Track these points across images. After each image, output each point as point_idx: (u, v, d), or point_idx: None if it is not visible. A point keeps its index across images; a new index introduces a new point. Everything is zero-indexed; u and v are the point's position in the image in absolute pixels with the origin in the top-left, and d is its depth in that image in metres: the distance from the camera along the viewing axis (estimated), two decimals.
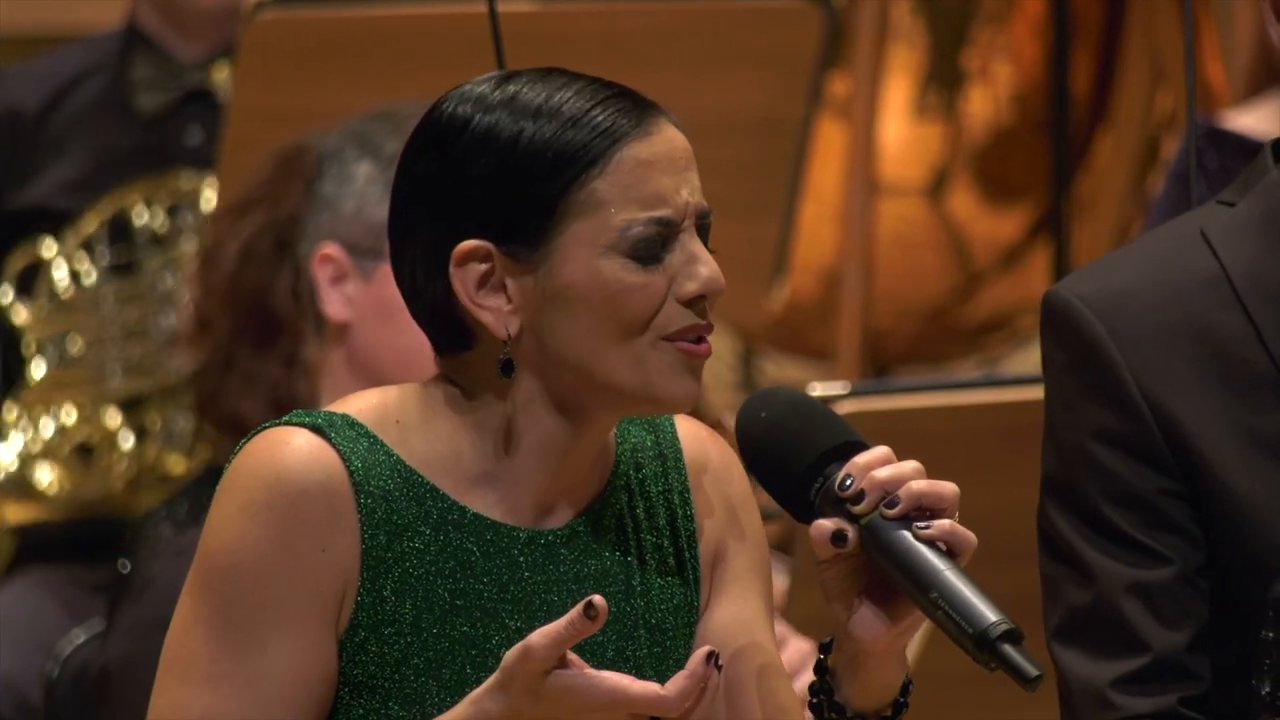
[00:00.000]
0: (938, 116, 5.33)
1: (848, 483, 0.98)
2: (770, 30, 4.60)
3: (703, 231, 1.05)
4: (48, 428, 3.38)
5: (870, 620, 1.00)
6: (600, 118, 1.03)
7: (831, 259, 5.19)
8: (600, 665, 1.03)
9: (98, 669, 2.05)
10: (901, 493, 0.97)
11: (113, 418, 3.39)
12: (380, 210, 2.13)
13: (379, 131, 2.12)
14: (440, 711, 1.01)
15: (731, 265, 3.59)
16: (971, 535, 0.98)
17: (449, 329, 1.05)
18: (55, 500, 3.45)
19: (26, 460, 3.36)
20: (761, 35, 4.55)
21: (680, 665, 1.07)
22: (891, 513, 0.97)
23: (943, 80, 5.34)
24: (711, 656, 0.94)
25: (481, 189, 1.02)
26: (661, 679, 1.05)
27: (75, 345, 3.38)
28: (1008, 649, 0.96)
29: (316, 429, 1.01)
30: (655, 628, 1.06)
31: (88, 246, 3.21)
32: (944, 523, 0.97)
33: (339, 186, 2.07)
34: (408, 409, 1.05)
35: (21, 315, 3.24)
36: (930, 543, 0.96)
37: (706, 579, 1.08)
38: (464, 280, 1.02)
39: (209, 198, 3.63)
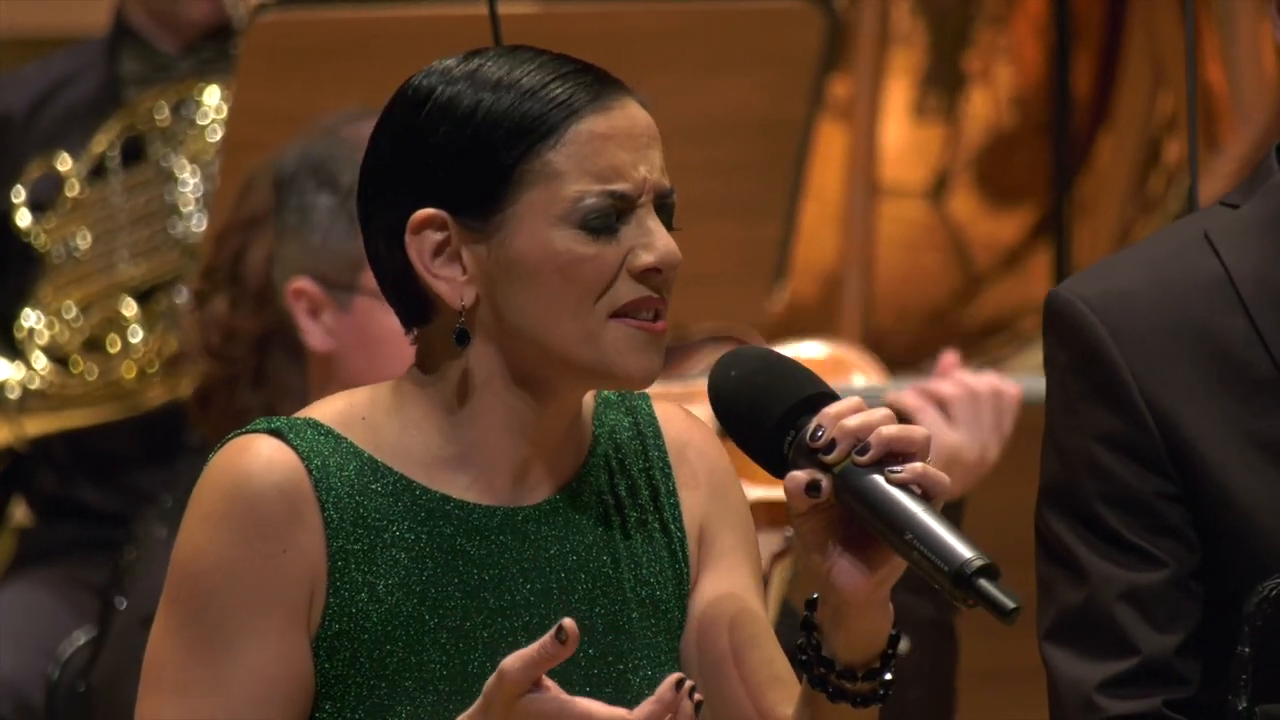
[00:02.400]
0: (939, 118, 5.34)
1: (819, 433, 0.98)
2: (772, 32, 4.60)
3: (664, 212, 1.05)
4: (58, 327, 3.44)
5: (850, 570, 1.00)
6: (558, 90, 1.03)
7: (832, 261, 5.19)
8: (592, 638, 1.04)
9: (89, 671, 2.07)
10: (872, 439, 0.97)
11: (128, 306, 3.46)
12: (349, 243, 2.13)
13: (334, 159, 2.11)
14: (424, 691, 1.02)
15: (732, 266, 3.63)
16: (944, 477, 0.99)
17: (410, 301, 1.07)
18: (72, 401, 3.51)
19: (42, 364, 3.42)
20: (763, 37, 4.55)
21: (675, 636, 1.08)
22: (863, 459, 0.97)
23: (944, 82, 5.34)
24: (681, 684, 0.94)
25: (439, 158, 1.03)
26: (655, 650, 1.06)
27: (85, 241, 3.44)
28: (984, 584, 0.96)
29: (275, 433, 1.03)
30: (647, 599, 1.06)
31: (98, 169, 3.24)
32: (915, 465, 0.97)
33: (301, 218, 2.07)
34: (377, 405, 1.06)
35: (26, 219, 3.27)
36: (903, 486, 0.97)
37: (694, 554, 1.09)
38: (419, 249, 1.03)
39: (211, 91, 3.71)
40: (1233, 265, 1.22)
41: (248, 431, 1.04)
